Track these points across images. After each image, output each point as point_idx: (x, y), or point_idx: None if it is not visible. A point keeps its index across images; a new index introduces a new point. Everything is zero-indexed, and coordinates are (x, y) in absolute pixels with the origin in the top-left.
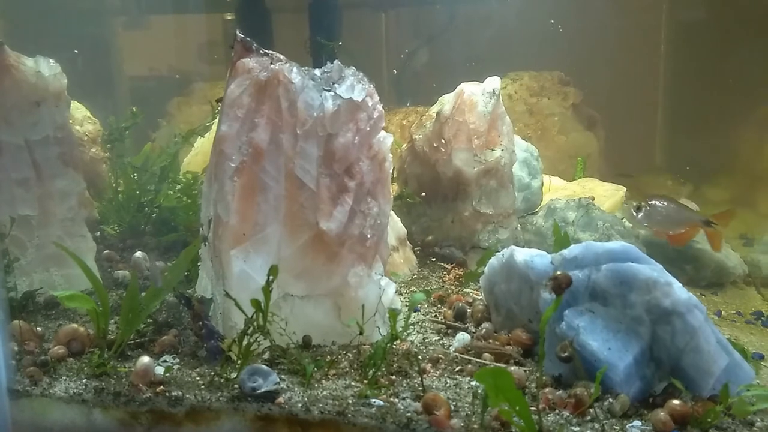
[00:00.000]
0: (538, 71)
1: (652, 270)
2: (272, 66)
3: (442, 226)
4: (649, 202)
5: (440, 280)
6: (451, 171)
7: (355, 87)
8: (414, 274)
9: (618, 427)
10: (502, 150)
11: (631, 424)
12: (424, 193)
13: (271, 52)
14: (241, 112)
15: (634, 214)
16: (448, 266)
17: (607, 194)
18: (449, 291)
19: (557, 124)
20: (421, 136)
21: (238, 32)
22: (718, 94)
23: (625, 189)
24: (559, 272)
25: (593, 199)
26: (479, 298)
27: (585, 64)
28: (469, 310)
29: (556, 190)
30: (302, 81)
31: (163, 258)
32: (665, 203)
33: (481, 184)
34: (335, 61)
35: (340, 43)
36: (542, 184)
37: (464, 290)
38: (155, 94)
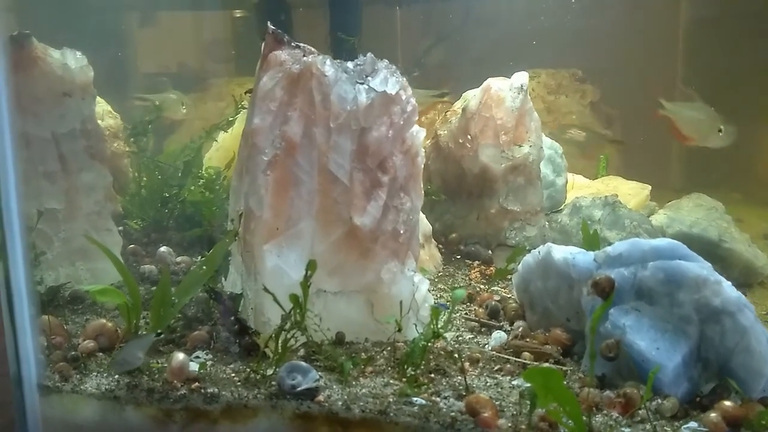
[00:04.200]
0: (555, 69)
1: (701, 268)
2: (305, 58)
3: (467, 223)
4: None
5: (466, 278)
6: (477, 167)
7: (388, 80)
8: (439, 272)
9: (669, 429)
10: (530, 146)
11: (686, 426)
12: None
13: (302, 44)
14: (274, 105)
15: None
16: (474, 264)
17: (632, 192)
18: (477, 289)
19: (575, 122)
20: (446, 131)
21: (269, 24)
22: (735, 91)
23: (650, 187)
24: (599, 276)
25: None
26: (509, 296)
27: (601, 62)
28: (501, 308)
29: (580, 188)
30: (335, 74)
31: (188, 253)
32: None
33: (508, 181)
34: (368, 54)
35: (359, 39)
36: (566, 182)
37: (492, 288)
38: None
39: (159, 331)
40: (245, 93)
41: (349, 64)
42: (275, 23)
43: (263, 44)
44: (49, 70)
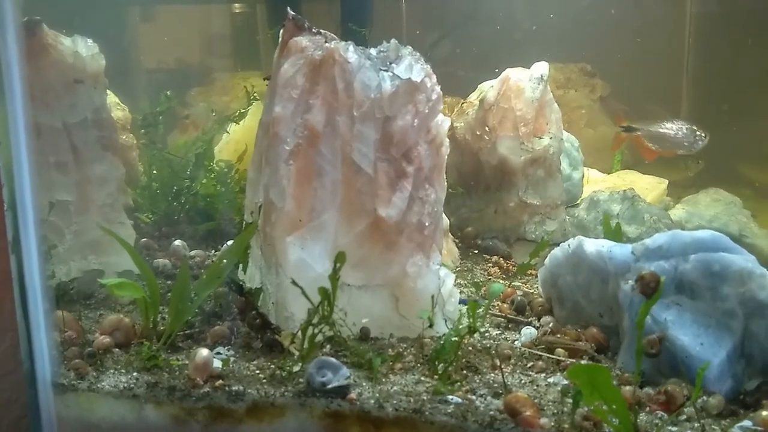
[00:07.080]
0: (564, 63)
1: (746, 260)
2: (327, 45)
3: (484, 217)
4: None
5: (485, 273)
6: (495, 159)
7: (413, 67)
8: (457, 267)
9: (717, 427)
10: (551, 138)
11: (739, 424)
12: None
13: (323, 30)
14: (296, 93)
15: None
16: (492, 259)
17: (649, 187)
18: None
19: (585, 116)
20: (462, 123)
21: (289, 10)
22: (745, 85)
23: (667, 182)
24: (644, 272)
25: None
26: (531, 291)
27: (608, 57)
28: (527, 303)
29: (596, 182)
30: (359, 60)
31: (200, 246)
32: None
33: (528, 174)
34: (392, 40)
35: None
36: (583, 176)
37: (513, 283)
38: (175, 85)
39: None
40: (264, 80)
41: (373, 51)
42: (284, 14)
43: (282, 30)
44: (60, 58)
